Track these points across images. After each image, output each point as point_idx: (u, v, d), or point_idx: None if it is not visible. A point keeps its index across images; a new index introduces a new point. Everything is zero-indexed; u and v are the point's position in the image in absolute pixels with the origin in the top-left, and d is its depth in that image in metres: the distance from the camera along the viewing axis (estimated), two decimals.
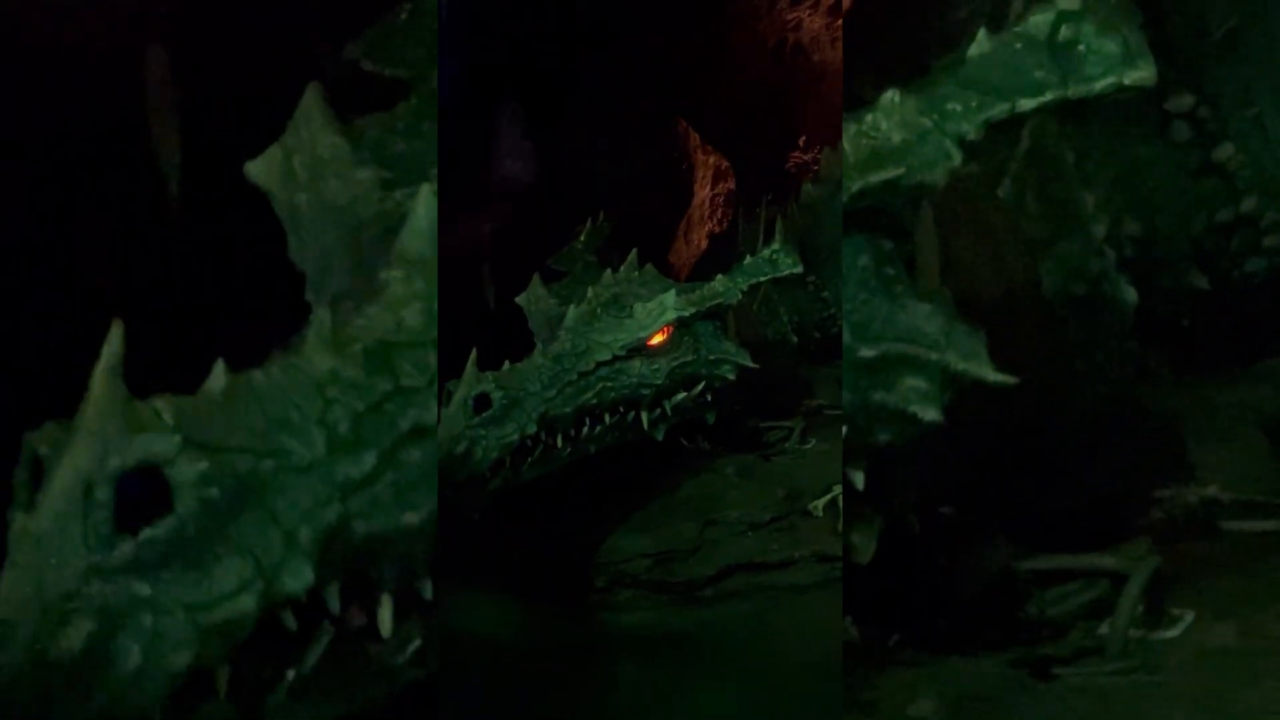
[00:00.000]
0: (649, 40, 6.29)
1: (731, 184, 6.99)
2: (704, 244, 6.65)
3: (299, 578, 1.80)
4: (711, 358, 3.96)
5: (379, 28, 3.70)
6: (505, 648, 3.40)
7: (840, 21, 6.41)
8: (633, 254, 4.06)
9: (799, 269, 4.44)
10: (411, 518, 2.06)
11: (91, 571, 1.66)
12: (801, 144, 6.51)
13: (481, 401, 3.41)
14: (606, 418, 3.72)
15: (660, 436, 3.89)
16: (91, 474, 1.70)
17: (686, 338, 3.88)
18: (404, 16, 3.68)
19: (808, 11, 6.66)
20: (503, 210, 6.19)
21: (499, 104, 6.17)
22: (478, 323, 4.60)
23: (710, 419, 4.01)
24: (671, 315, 3.85)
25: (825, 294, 5.31)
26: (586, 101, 6.25)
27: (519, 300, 3.92)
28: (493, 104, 6.18)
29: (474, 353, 3.43)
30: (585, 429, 3.66)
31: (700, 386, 3.92)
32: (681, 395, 3.88)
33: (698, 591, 3.55)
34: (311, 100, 2.45)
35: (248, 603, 1.76)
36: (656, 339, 3.83)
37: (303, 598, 1.81)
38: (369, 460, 1.96)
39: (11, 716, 1.59)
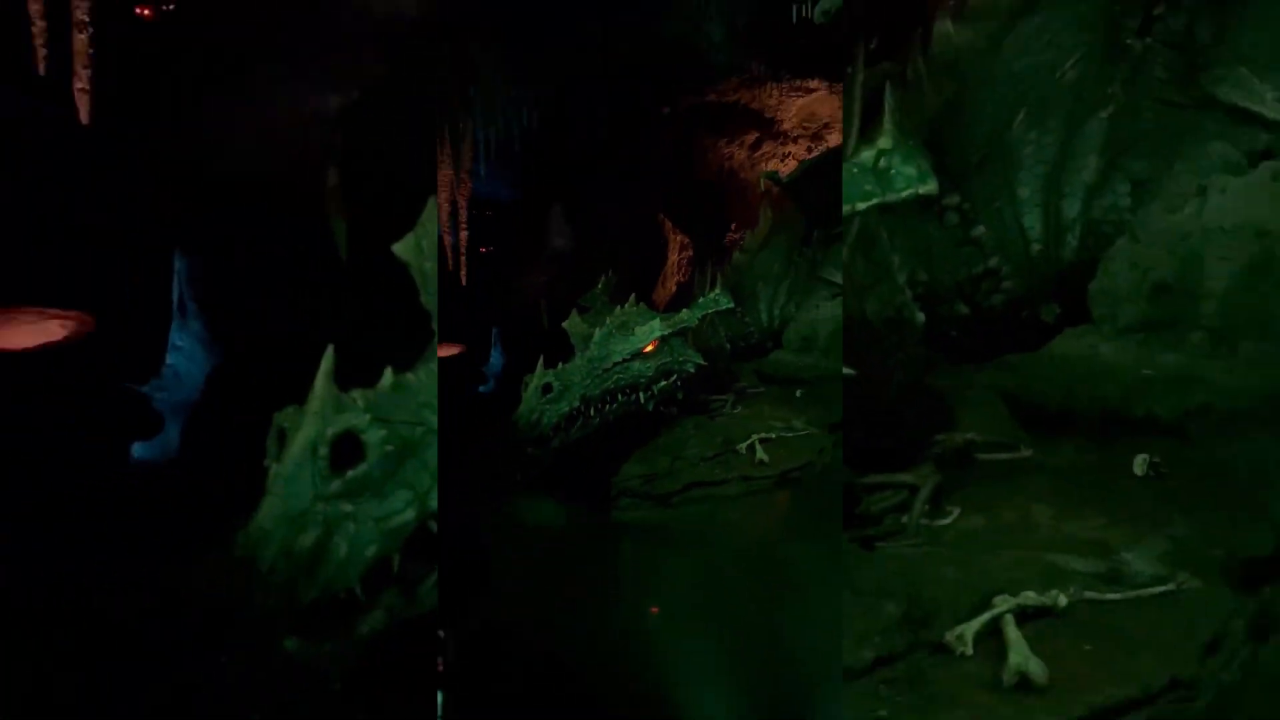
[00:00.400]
0: (643, 165, 6.19)
1: (690, 252, 6.82)
2: (674, 289, 6.52)
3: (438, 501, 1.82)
4: (680, 359, 3.93)
5: None
6: (555, 532, 3.43)
7: (757, 154, 6.27)
8: (632, 296, 4.03)
9: (731, 305, 4.42)
10: None
11: (316, 498, 1.69)
12: (733, 228, 6.36)
13: (546, 388, 3.42)
14: (619, 397, 3.70)
15: (650, 408, 3.87)
16: (316, 438, 1.72)
17: (665, 347, 3.86)
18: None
19: (736, 148, 6.50)
20: (552, 269, 6.15)
21: (550, 205, 6.13)
22: (539, 340, 4.61)
23: (680, 396, 3.99)
24: (658, 333, 3.82)
25: (747, 319, 5.27)
26: (604, 202, 6.17)
27: (564, 325, 3.92)
28: (547, 205, 6.14)
29: (540, 358, 3.44)
30: (607, 404, 3.64)
31: (674, 376, 3.89)
32: (663, 382, 3.85)
33: (670, 499, 3.56)
34: (431, 207, 2.45)
35: (410, 515, 1.78)
36: (648, 348, 3.80)
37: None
38: None
39: (269, 590, 1.60)
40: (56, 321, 2.87)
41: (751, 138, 6.24)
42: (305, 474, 1.70)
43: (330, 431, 1.74)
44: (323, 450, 1.72)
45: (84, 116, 2.63)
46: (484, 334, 5.72)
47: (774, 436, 3.78)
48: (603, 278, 5.20)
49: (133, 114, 3.02)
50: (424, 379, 1.99)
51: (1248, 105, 3.19)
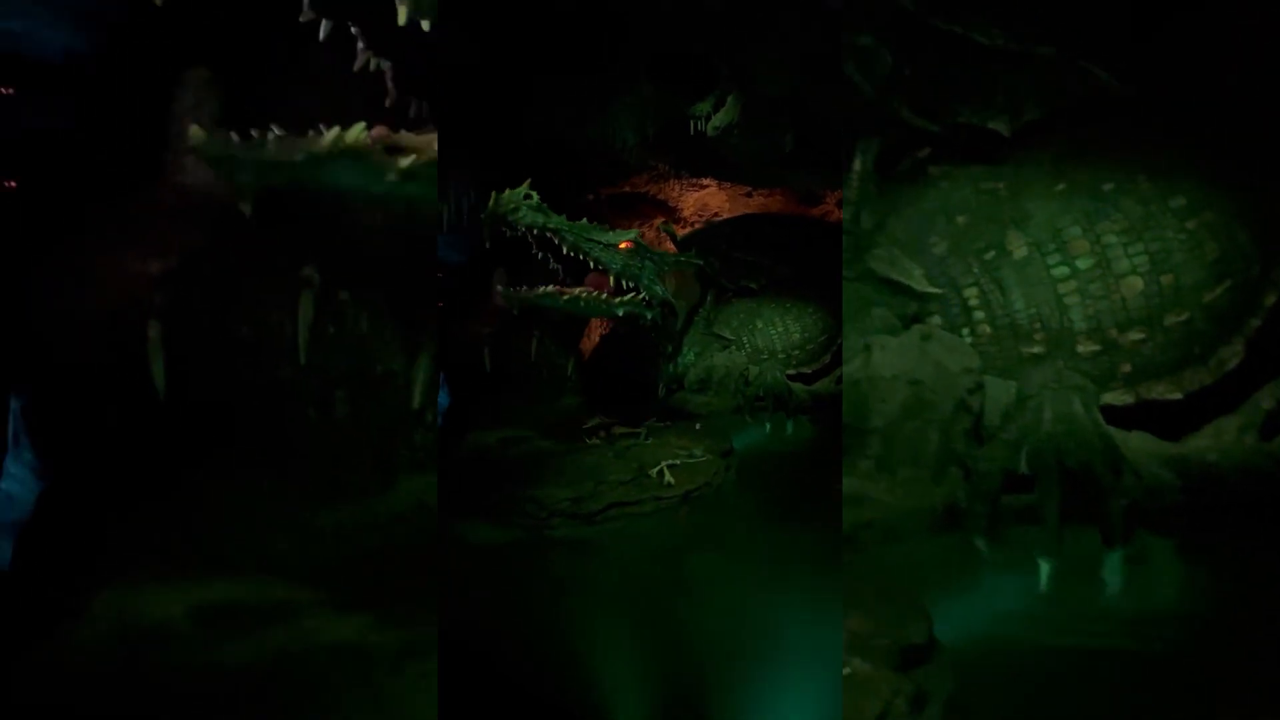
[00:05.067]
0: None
1: None
2: (598, 339, 7.04)
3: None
4: (649, 282, 4.77)
5: None
6: (495, 548, 3.55)
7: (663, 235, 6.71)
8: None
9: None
10: None
11: None
12: None
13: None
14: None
15: (619, 313, 4.62)
16: None
17: (636, 259, 4.68)
18: None
19: (645, 229, 6.87)
20: (494, 321, 6.12)
21: (493, 269, 6.18)
22: (482, 380, 5.33)
23: (649, 318, 4.71)
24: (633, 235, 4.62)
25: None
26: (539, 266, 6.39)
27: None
28: (490, 269, 6.21)
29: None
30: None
31: (642, 295, 4.71)
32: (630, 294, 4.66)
33: (594, 518, 3.72)
34: None
35: None
36: (622, 245, 4.61)
37: None
38: None
39: None
40: None
41: (658, 221, 6.99)
42: None
43: None
44: None
45: None
46: (434, 377, 6.16)
47: (679, 463, 4.20)
48: (534, 336, 5.61)
49: None
50: None
51: (900, 279, 3.70)
